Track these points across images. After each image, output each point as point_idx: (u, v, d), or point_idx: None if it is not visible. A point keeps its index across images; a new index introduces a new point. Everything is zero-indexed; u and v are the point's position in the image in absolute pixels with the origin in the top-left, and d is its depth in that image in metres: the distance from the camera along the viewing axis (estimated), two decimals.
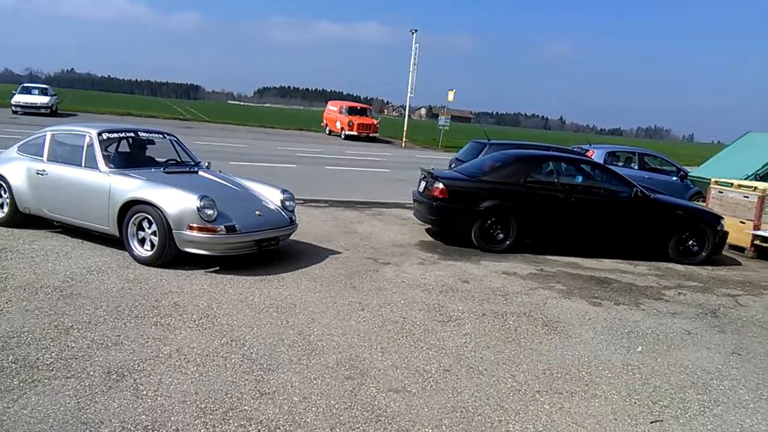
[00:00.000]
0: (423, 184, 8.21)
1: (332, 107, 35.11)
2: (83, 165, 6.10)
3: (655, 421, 3.53)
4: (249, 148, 20.70)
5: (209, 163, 7.08)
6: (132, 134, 6.77)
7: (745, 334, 5.36)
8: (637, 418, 3.56)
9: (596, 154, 13.11)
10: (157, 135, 7.05)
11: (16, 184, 6.45)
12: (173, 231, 5.45)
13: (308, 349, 4.08)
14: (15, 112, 26.58)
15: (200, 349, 3.91)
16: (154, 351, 3.81)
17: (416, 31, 29.84)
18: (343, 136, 31.31)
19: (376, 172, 17.41)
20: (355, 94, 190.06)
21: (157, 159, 6.76)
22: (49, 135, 6.57)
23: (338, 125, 32.34)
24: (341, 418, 3.21)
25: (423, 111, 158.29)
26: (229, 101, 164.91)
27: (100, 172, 5.96)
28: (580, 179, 8.41)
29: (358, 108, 34.54)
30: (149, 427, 2.95)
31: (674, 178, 13.53)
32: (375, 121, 33.01)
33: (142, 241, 5.69)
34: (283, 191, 6.53)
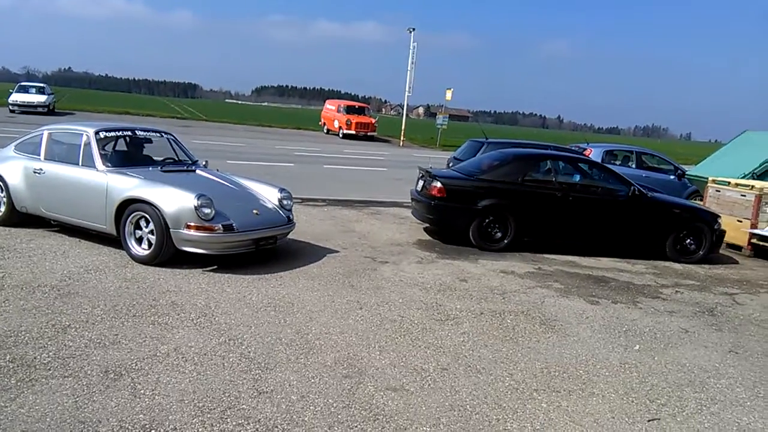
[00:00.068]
0: (421, 183, 8.21)
1: (330, 106, 35.07)
2: (80, 164, 6.09)
3: (653, 420, 3.54)
4: (247, 147, 20.67)
5: (207, 161, 7.07)
6: (129, 133, 6.75)
7: (742, 333, 5.37)
8: (635, 416, 3.57)
9: (594, 153, 13.13)
10: (154, 134, 7.03)
11: (13, 183, 6.43)
12: (171, 230, 5.45)
13: (306, 347, 4.08)
14: (12, 111, 26.50)
15: (198, 348, 3.91)
16: (151, 350, 3.80)
17: (414, 29, 29.83)
18: (341, 135, 31.29)
19: (374, 171, 17.40)
20: (353, 93, 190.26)
21: (155, 158, 6.75)
22: (46, 134, 6.56)
23: (336, 124, 32.33)
24: (339, 416, 3.21)
25: (421, 110, 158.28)
26: (226, 100, 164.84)
27: (98, 170, 5.95)
28: (577, 178, 8.42)
29: (356, 107, 34.55)
30: (147, 426, 2.94)
31: (672, 177, 13.55)
32: (373, 120, 32.97)
33: (139, 240, 5.68)
34: (281, 190, 6.52)
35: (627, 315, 5.55)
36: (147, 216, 5.55)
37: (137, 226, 5.67)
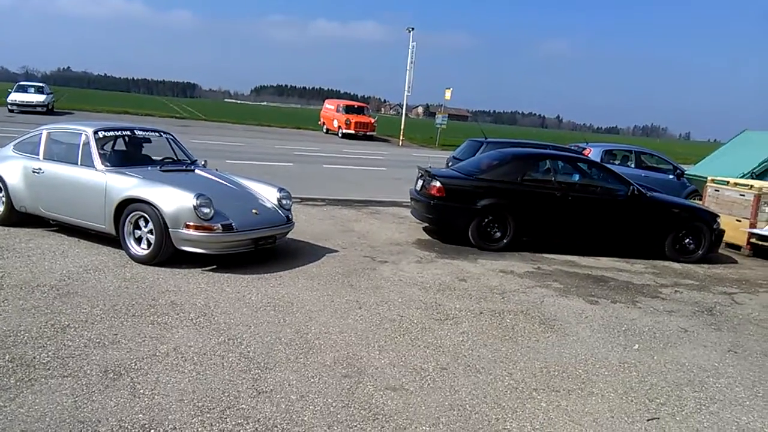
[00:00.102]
0: (420, 182, 8.21)
1: (329, 106, 35.07)
2: (79, 163, 6.09)
3: (652, 419, 3.54)
4: (246, 147, 20.67)
5: (206, 161, 7.07)
6: (128, 132, 6.75)
7: (742, 332, 5.38)
8: (634, 415, 3.57)
9: (593, 153, 13.13)
10: (153, 133, 7.03)
11: (12, 182, 6.43)
12: (170, 229, 5.44)
13: (305, 347, 4.08)
14: (11, 111, 26.48)
15: (197, 347, 3.91)
16: (151, 350, 3.80)
17: (413, 29, 29.87)
18: (340, 135, 31.29)
19: (374, 171, 17.40)
20: (352, 93, 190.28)
21: (154, 157, 6.74)
22: (45, 133, 6.55)
23: (335, 124, 32.32)
24: (338, 416, 3.21)
25: (420, 109, 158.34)
26: (225, 100, 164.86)
27: (97, 170, 5.95)
28: (577, 177, 8.42)
29: (356, 106, 34.55)
30: (146, 425, 2.94)
31: (671, 177, 13.55)
32: (372, 120, 32.96)
33: (138, 240, 5.68)
34: (280, 189, 6.52)
35: (626, 314, 5.55)
36: (146, 216, 5.54)
37: (136, 226, 5.67)
